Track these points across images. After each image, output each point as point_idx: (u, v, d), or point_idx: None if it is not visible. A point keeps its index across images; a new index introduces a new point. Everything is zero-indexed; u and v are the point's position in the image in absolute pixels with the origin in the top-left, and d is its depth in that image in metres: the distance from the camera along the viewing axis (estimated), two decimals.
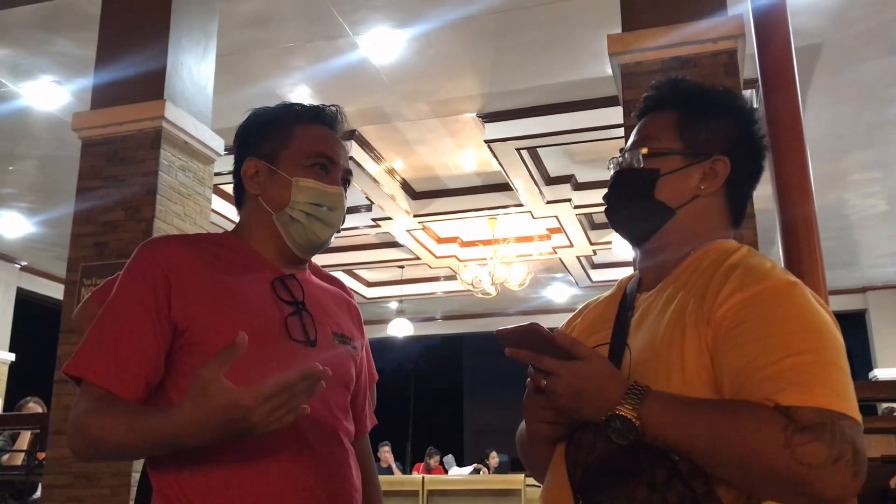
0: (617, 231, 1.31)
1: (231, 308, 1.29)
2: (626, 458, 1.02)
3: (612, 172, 1.29)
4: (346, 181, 1.44)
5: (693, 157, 1.22)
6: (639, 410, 1.02)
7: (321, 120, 1.44)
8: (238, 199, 1.47)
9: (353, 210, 8.40)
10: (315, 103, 1.47)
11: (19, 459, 5.25)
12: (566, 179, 7.66)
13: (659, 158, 1.23)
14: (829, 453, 0.94)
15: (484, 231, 9.06)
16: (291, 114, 1.44)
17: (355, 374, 1.45)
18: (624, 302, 1.25)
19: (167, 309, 1.26)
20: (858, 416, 0.99)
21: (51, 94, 5.95)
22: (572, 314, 1.38)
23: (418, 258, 9.70)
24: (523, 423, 1.29)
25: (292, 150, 1.40)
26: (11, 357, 9.54)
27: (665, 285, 1.20)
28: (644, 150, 1.23)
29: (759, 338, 1.02)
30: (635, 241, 1.28)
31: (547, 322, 1.13)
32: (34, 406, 5.73)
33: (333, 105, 1.46)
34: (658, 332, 1.12)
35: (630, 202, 1.25)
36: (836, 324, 1.07)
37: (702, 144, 1.22)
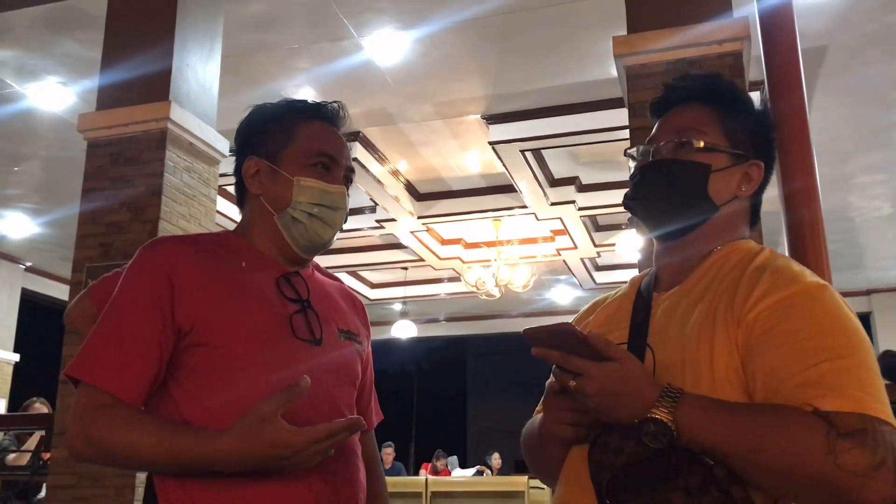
0: (646, 223, 1.25)
1: (235, 308, 1.27)
2: (657, 462, 1.00)
3: (638, 162, 1.24)
4: (348, 179, 1.41)
5: (736, 157, 1.20)
6: (674, 413, 0.99)
7: (323, 117, 1.42)
8: (239, 198, 1.45)
9: (357, 211, 8.40)
10: (316, 100, 1.44)
11: (25, 460, 5.25)
12: (570, 181, 7.66)
13: (709, 153, 1.19)
14: (872, 460, 0.92)
15: (488, 233, 9.06)
16: (293, 111, 1.41)
17: (361, 370, 1.43)
18: (640, 301, 1.22)
19: (171, 311, 1.25)
20: (894, 421, 0.97)
21: (56, 96, 5.97)
22: (581, 312, 1.35)
23: (422, 260, 9.70)
24: (530, 423, 1.27)
25: (294, 149, 1.37)
26: (16, 357, 9.56)
27: (687, 285, 1.17)
28: (700, 143, 1.18)
29: (794, 341, 1.01)
30: (669, 235, 1.22)
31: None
32: (40, 407, 5.73)
33: (335, 101, 1.44)
34: (684, 333, 1.10)
35: (676, 193, 1.19)
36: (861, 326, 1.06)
37: (741, 145, 1.20)
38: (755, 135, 1.22)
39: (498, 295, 9.09)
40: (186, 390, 1.25)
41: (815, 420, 0.95)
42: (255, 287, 1.32)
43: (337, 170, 1.39)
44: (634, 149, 1.26)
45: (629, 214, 1.29)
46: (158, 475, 1.26)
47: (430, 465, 10.55)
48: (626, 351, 1.07)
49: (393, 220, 8.36)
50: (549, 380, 1.15)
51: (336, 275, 1.57)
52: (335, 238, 1.41)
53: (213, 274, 1.29)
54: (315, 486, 1.23)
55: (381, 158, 7.25)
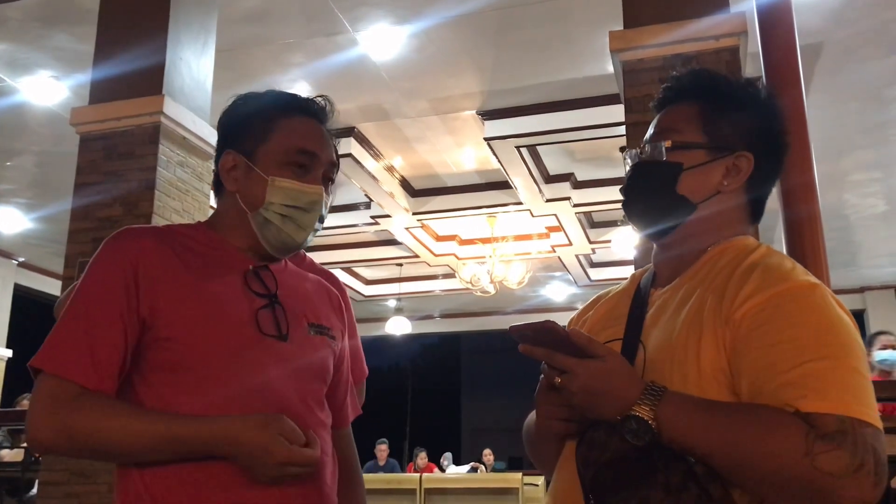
0: (634, 225, 1.27)
1: (200, 302, 1.24)
2: (640, 458, 1.00)
3: (629, 165, 1.25)
4: (328, 178, 1.35)
5: (717, 152, 1.18)
6: (655, 411, 1.00)
7: (308, 112, 1.35)
8: (216, 190, 1.39)
9: (352, 207, 8.39)
10: (309, 95, 1.39)
11: (22, 456, 5.22)
12: (566, 178, 7.65)
13: (682, 152, 1.19)
14: (851, 462, 0.92)
15: (483, 229, 9.05)
16: (276, 105, 1.34)
17: (334, 364, 1.39)
18: (637, 297, 1.21)
19: (136, 301, 1.22)
20: (879, 423, 0.97)
21: (49, 90, 5.93)
22: (583, 307, 1.35)
23: (417, 256, 9.69)
24: (530, 417, 1.26)
25: (271, 146, 1.31)
26: (9, 353, 9.51)
27: (682, 281, 1.17)
28: (667, 143, 1.19)
29: (779, 341, 1.00)
30: (653, 235, 1.23)
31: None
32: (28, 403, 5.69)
33: (323, 96, 1.38)
34: (674, 330, 1.09)
35: (650, 196, 1.21)
36: (856, 327, 1.04)
37: (725, 139, 1.19)
38: (746, 127, 1.20)
39: (493, 292, 9.08)
40: (150, 385, 1.22)
41: (795, 421, 0.95)
42: (222, 281, 1.29)
43: (316, 168, 1.33)
44: (628, 151, 1.26)
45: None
46: (119, 467, 1.23)
47: (412, 464, 10.44)
48: (609, 348, 1.07)
49: (388, 216, 8.34)
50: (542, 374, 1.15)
51: (331, 271, 1.55)
52: (309, 240, 1.35)
53: (180, 267, 1.26)
54: (276, 483, 1.19)
55: (375, 154, 7.23)
